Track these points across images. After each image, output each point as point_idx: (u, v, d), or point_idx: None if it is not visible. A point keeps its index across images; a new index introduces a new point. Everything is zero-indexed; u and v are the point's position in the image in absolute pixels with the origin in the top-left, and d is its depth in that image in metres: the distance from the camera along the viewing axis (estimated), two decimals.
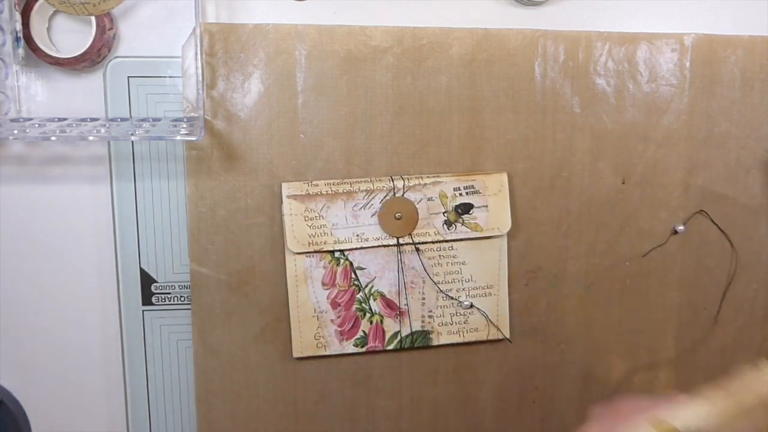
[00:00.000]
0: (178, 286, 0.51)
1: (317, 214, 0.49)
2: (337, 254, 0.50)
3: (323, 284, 0.50)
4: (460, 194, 0.50)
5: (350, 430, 0.53)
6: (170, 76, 0.49)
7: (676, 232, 0.51)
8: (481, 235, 0.50)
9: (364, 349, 0.51)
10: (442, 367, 0.52)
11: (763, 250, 0.53)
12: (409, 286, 0.51)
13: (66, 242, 0.51)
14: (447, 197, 0.50)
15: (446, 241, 0.50)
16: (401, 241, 0.50)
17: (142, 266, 0.51)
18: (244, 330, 0.51)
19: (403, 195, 0.50)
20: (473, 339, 0.52)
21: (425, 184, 0.50)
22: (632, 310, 0.53)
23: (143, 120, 0.48)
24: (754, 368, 0.34)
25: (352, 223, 0.49)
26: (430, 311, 0.51)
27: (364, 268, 0.50)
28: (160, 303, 0.51)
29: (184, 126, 0.46)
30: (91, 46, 0.47)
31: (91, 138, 0.43)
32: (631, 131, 0.51)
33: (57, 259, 0.51)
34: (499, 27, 0.49)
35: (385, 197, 0.49)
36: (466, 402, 0.53)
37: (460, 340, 0.52)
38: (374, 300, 0.51)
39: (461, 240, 0.50)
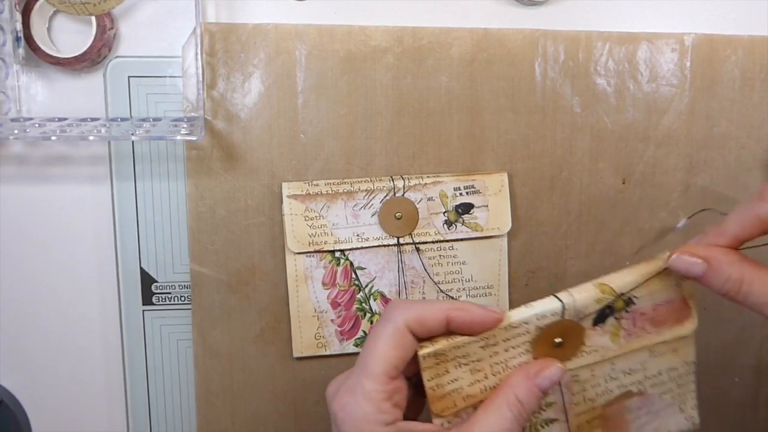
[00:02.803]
0: (179, 286, 0.51)
1: (317, 214, 0.49)
2: (337, 254, 0.50)
3: (323, 284, 0.50)
4: (461, 194, 0.50)
5: None
6: (170, 76, 0.49)
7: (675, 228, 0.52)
8: (482, 235, 0.50)
9: None
10: None
11: (763, 250, 0.53)
12: (409, 285, 0.51)
13: (66, 242, 0.51)
14: (447, 197, 0.50)
15: (446, 240, 0.50)
16: (401, 240, 0.50)
17: (142, 266, 0.51)
18: (244, 330, 0.51)
19: (403, 195, 0.50)
20: None
21: (425, 183, 0.50)
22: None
23: (143, 120, 0.48)
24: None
25: (353, 222, 0.49)
26: None
27: (365, 268, 0.50)
28: (161, 303, 0.52)
29: (185, 126, 0.46)
30: (92, 46, 0.47)
31: (91, 138, 0.43)
32: (631, 131, 0.51)
33: (57, 259, 0.51)
34: (499, 27, 0.49)
35: (385, 197, 0.49)
36: None
37: None
38: (374, 300, 0.51)
39: (461, 240, 0.50)
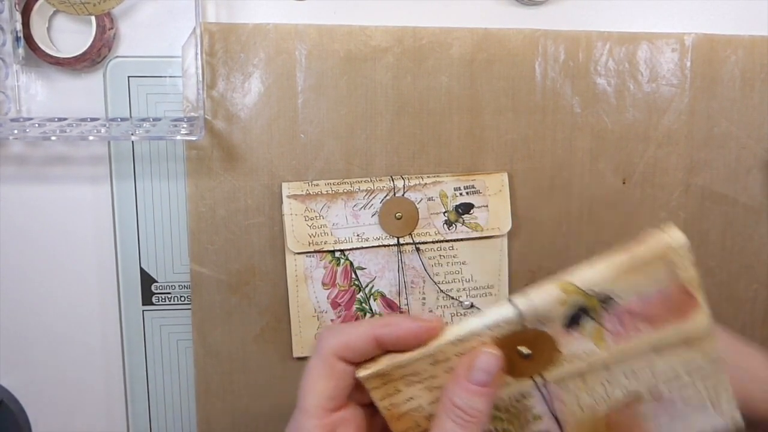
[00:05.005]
0: (178, 286, 0.51)
1: (317, 214, 0.49)
2: (337, 254, 0.50)
3: (323, 284, 0.50)
4: (461, 194, 0.50)
5: None
6: (170, 76, 0.49)
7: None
8: (482, 235, 0.50)
9: None
10: None
11: (763, 250, 0.53)
12: (409, 286, 0.51)
13: (66, 242, 0.51)
14: (447, 197, 0.50)
15: (446, 240, 0.50)
16: (401, 240, 0.50)
17: (142, 266, 0.51)
18: (244, 330, 0.51)
19: (403, 195, 0.50)
20: None
21: (425, 183, 0.50)
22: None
23: (143, 120, 0.48)
24: (658, 229, 0.31)
25: (353, 222, 0.49)
26: (431, 311, 0.51)
27: (365, 268, 0.50)
28: (160, 303, 0.51)
29: (184, 126, 0.46)
30: (91, 46, 0.47)
31: (91, 138, 0.43)
32: (631, 131, 0.51)
33: (57, 259, 0.51)
34: (499, 27, 0.49)
35: (385, 197, 0.49)
36: None
37: None
38: (374, 300, 0.51)
39: (461, 240, 0.50)
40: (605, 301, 0.31)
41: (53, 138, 0.43)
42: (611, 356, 0.32)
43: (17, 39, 0.47)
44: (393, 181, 0.50)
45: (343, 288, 0.50)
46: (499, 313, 0.31)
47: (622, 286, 0.31)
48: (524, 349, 0.31)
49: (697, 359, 0.32)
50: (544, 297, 0.30)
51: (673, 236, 0.30)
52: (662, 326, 0.32)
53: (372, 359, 0.33)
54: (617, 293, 0.31)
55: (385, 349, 0.33)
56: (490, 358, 0.31)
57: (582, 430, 0.34)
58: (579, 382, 0.33)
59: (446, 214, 0.50)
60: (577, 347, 0.32)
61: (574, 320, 0.31)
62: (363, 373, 0.33)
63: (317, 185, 0.49)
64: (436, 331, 0.32)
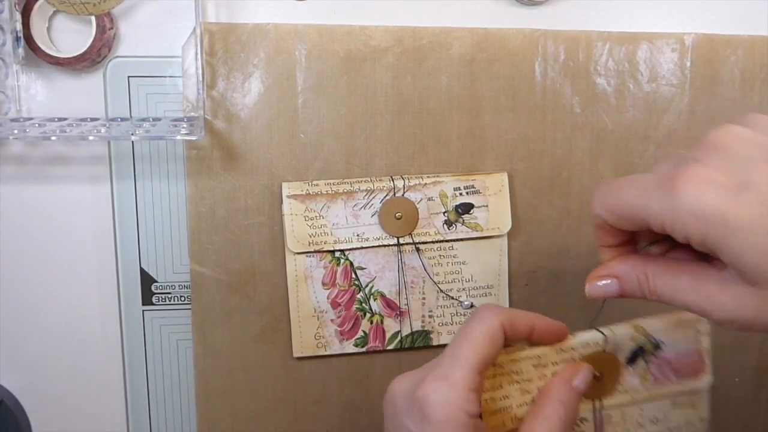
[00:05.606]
0: (179, 286, 0.51)
1: (317, 214, 0.49)
2: (337, 254, 0.50)
3: (323, 284, 0.50)
4: (461, 194, 0.50)
5: (350, 430, 0.53)
6: (170, 76, 0.49)
7: None
8: (482, 235, 0.50)
9: (364, 349, 0.51)
10: None
11: None
12: (409, 285, 0.51)
13: (66, 242, 0.51)
14: (447, 197, 0.50)
15: (446, 240, 0.50)
16: (401, 240, 0.50)
17: (142, 266, 0.51)
18: (244, 330, 0.51)
19: (403, 195, 0.50)
20: None
21: (425, 183, 0.50)
22: (633, 311, 0.53)
23: (143, 120, 0.48)
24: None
25: (353, 222, 0.49)
26: (431, 311, 0.51)
27: (365, 268, 0.50)
28: (161, 303, 0.52)
29: (184, 126, 0.46)
30: (91, 46, 0.47)
31: (91, 138, 0.43)
32: (631, 131, 0.51)
33: (57, 259, 0.51)
34: (499, 27, 0.49)
35: (385, 197, 0.49)
36: None
37: None
38: (374, 300, 0.51)
39: (461, 240, 0.50)
40: (656, 347, 0.38)
41: (53, 138, 0.43)
42: (647, 396, 0.39)
43: (17, 39, 0.47)
44: (393, 181, 0.50)
45: (343, 288, 0.50)
46: (589, 334, 0.37)
47: (669, 338, 0.38)
48: (596, 372, 0.37)
49: (694, 419, 0.41)
50: (622, 331, 0.38)
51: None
52: (683, 380, 0.39)
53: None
54: (664, 342, 0.38)
55: (529, 340, 0.36)
56: (588, 371, 0.37)
57: None
58: (619, 416, 0.39)
59: (446, 214, 0.50)
60: (629, 381, 0.38)
61: (634, 357, 0.38)
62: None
63: (317, 185, 0.49)
64: (564, 335, 0.37)
